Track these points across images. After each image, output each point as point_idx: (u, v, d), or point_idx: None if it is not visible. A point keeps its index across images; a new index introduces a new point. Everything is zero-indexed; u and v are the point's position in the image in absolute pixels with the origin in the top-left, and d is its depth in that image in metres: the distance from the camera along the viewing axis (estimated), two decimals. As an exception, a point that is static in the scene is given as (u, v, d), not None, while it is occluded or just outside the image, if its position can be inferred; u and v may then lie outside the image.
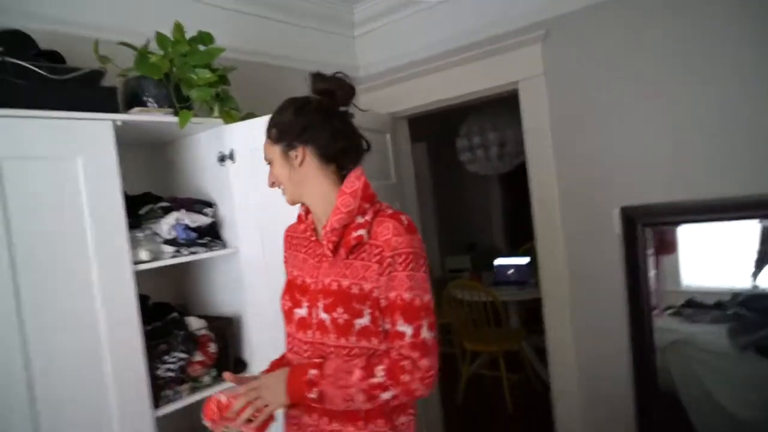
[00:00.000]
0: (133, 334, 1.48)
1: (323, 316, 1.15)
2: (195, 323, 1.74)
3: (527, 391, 3.87)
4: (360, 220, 1.17)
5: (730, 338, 2.25)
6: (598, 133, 2.36)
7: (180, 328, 1.66)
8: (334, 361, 1.13)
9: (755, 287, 2.14)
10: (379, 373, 1.09)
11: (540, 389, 3.88)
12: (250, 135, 1.77)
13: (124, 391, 1.44)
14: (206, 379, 1.71)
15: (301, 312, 1.21)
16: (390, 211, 1.19)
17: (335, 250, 1.18)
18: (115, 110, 1.57)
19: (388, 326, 1.15)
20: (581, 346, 2.53)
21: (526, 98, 2.56)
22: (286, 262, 1.36)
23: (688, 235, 2.25)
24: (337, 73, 1.23)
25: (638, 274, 2.26)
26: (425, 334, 1.10)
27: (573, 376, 2.56)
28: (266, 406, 1.11)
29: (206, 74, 1.72)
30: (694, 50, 2.06)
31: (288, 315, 1.25)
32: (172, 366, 1.59)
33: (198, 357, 1.67)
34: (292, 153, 1.20)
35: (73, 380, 1.36)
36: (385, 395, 1.09)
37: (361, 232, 1.15)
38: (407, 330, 1.10)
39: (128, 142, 1.69)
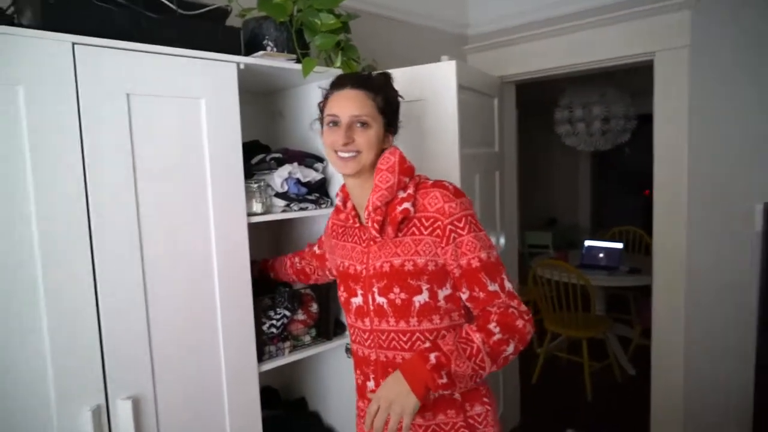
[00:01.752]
0: (244, 287, 1.44)
1: (380, 300, 1.13)
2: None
3: (608, 380, 3.69)
4: (402, 194, 1.14)
5: None
6: (742, 119, 2.07)
7: (285, 285, 1.62)
8: (446, 337, 1.08)
9: None
10: (496, 329, 1.05)
11: (621, 380, 3.69)
12: (371, 89, 1.66)
13: (232, 341, 1.42)
14: (306, 338, 1.67)
15: (357, 301, 1.19)
16: (431, 182, 1.16)
17: (382, 230, 1.14)
18: (238, 52, 1.49)
19: (473, 293, 1.10)
20: (693, 348, 2.31)
21: (662, 72, 2.29)
22: (331, 251, 1.35)
23: None
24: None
25: (777, 278, 2.01)
26: (508, 284, 1.11)
27: (678, 378, 2.35)
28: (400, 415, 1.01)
29: (330, 19, 1.61)
30: None
31: (346, 306, 1.24)
32: (275, 322, 1.55)
33: (300, 315, 1.63)
34: (391, 129, 1.20)
35: (186, 324, 1.34)
36: (509, 349, 1.06)
37: (406, 205, 1.12)
38: (495, 287, 1.09)
39: (239, 87, 1.62)
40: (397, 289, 1.10)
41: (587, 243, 4.10)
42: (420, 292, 1.10)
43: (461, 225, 1.09)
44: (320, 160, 1.77)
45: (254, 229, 1.52)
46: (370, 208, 1.13)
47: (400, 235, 1.12)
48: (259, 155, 1.69)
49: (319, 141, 1.82)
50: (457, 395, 1.14)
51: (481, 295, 1.09)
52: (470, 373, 1.03)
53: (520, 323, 1.06)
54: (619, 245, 3.96)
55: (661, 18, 2.24)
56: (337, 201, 1.30)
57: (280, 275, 1.70)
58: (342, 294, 1.25)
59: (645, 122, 4.29)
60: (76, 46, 1.14)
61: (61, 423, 1.13)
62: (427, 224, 1.10)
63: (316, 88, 1.82)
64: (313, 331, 1.69)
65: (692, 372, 2.31)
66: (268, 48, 1.61)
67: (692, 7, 2.14)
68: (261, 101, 2.03)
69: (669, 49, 2.23)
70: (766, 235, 2.01)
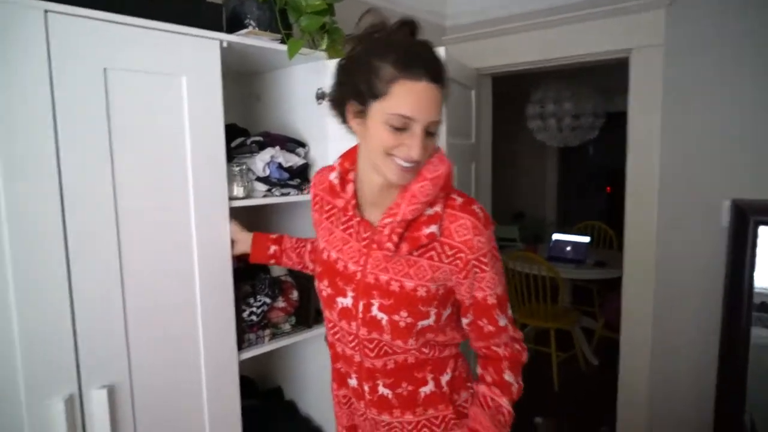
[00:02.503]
0: (224, 273, 1.40)
1: (379, 315, 1.01)
2: (277, 268, 1.66)
3: (573, 370, 3.78)
4: (430, 212, 1.00)
5: None
6: (713, 116, 2.14)
7: (265, 271, 1.58)
8: (478, 414, 1.06)
9: None
10: (510, 377, 1.07)
11: (585, 370, 3.79)
12: (356, 73, 1.63)
13: (212, 329, 1.37)
14: (286, 326, 1.63)
15: (345, 302, 1.06)
16: (460, 201, 1.02)
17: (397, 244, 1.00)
18: (220, 30, 1.43)
19: (478, 322, 1.06)
20: (660, 339, 2.38)
21: (637, 69, 2.33)
22: (316, 225, 1.19)
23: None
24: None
25: (742, 274, 2.08)
26: (510, 312, 1.09)
27: (645, 367, 2.42)
28: None
29: (316, 0, 1.56)
30: None
31: (328, 301, 1.10)
32: (255, 310, 1.51)
33: (280, 303, 1.60)
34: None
35: (164, 311, 1.28)
36: (516, 387, 1.09)
37: (434, 229, 0.98)
38: (505, 321, 1.06)
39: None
40: (404, 313, 0.99)
41: (555, 236, 4.18)
42: (427, 317, 1.01)
43: (485, 261, 0.99)
44: (302, 145, 1.73)
45: (234, 214, 1.47)
46: (399, 218, 0.97)
47: (414, 254, 1.00)
48: (238, 138, 1.64)
49: (302, 124, 1.79)
50: (445, 388, 1.10)
51: (490, 328, 1.05)
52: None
53: (523, 357, 1.10)
54: (586, 239, 4.06)
55: (637, 16, 2.28)
56: (333, 178, 1.07)
57: (292, 258, 1.47)
58: (324, 288, 1.10)
59: (610, 120, 4.40)
60: (48, 13, 1.07)
61: (32, 414, 1.07)
62: (449, 253, 0.99)
63: (297, 71, 1.78)
64: (293, 319, 1.66)
65: (658, 361, 2.39)
66: (250, 27, 1.55)
67: (666, 6, 2.19)
68: (238, 84, 1.97)
69: (644, 47, 2.28)
70: (733, 231, 2.08)
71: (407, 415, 1.08)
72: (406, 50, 0.91)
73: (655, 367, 2.40)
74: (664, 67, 2.24)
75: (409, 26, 0.97)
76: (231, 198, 1.44)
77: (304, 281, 1.66)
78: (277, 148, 1.61)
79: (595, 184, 6.61)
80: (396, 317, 1.00)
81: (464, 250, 0.98)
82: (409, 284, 0.99)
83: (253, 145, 1.58)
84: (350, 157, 1.09)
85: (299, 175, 1.68)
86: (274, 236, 1.49)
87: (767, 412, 2.11)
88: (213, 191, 1.37)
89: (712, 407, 2.17)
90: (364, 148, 1.00)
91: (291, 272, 1.69)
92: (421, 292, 0.99)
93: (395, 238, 0.98)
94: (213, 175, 1.37)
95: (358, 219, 1.06)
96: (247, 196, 1.50)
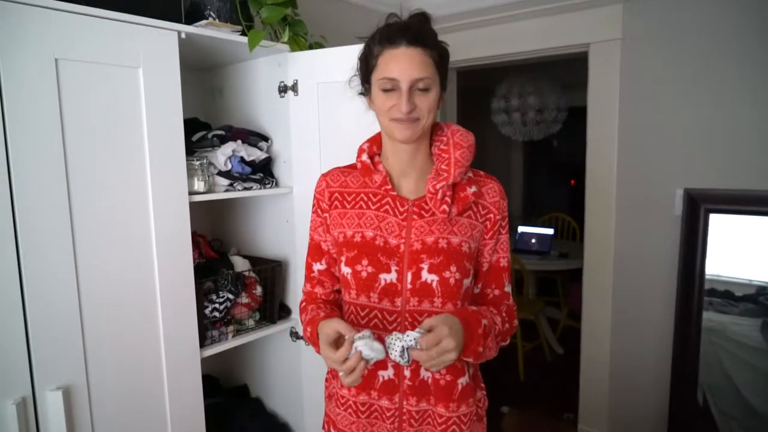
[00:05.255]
0: (185, 268, 1.38)
1: (430, 277, 1.03)
2: (240, 263, 1.64)
3: (538, 359, 3.86)
4: (469, 175, 1.10)
5: (764, 333, 2.19)
6: (667, 110, 2.22)
7: (229, 267, 1.56)
8: (481, 309, 1.06)
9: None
10: (506, 320, 1.11)
11: (550, 359, 3.88)
12: (319, 66, 1.62)
13: (173, 326, 1.35)
14: (250, 322, 1.62)
15: (390, 277, 1.04)
16: (482, 172, 1.15)
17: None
18: (179, 21, 1.40)
19: (486, 289, 1.13)
20: (619, 326, 2.45)
21: (596, 63, 2.39)
22: (322, 224, 1.13)
23: (718, 224, 2.15)
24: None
25: (694, 261, 2.17)
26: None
27: (605, 354, 2.50)
28: (448, 352, 0.92)
29: (277, -8, 1.55)
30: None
31: (367, 283, 1.06)
32: (218, 306, 1.49)
33: (244, 299, 1.58)
34: (444, 86, 1.05)
35: (122, 309, 1.26)
36: (506, 341, 1.11)
37: (475, 189, 1.08)
38: (509, 288, 1.15)
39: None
40: (453, 268, 1.04)
41: (520, 229, 4.25)
42: (469, 275, 1.07)
43: (504, 224, 1.12)
44: (265, 138, 1.71)
45: (196, 209, 1.44)
46: (449, 181, 1.04)
47: (457, 215, 1.07)
48: (200, 132, 1.61)
49: (265, 118, 1.77)
50: (472, 383, 1.10)
51: (496, 292, 1.13)
52: (487, 354, 1.02)
53: (515, 323, 1.14)
54: (550, 231, 4.14)
55: (596, 11, 2.33)
56: (364, 159, 1.11)
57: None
58: (364, 269, 1.05)
59: (572, 115, 4.49)
60: (-6, 1, 1.03)
61: (-19, 417, 1.03)
62: (482, 212, 1.09)
63: (259, 64, 1.76)
64: (257, 315, 1.64)
65: (619, 347, 2.46)
66: (210, 18, 1.52)
67: (624, 2, 2.25)
68: (199, 77, 1.93)
69: (602, 42, 2.34)
70: (686, 219, 2.16)
71: (438, 407, 1.05)
72: (390, 26, 1.02)
73: (616, 352, 2.48)
74: (621, 61, 2.30)
75: (418, 16, 1.05)
76: (191, 192, 1.42)
77: (268, 276, 1.64)
78: (239, 141, 1.58)
79: (559, 176, 6.75)
80: (447, 274, 1.04)
81: (493, 211, 1.09)
82: (455, 240, 1.05)
83: (215, 138, 1.55)
84: (376, 141, 1.15)
85: (262, 169, 1.66)
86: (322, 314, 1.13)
87: (719, 389, 2.21)
88: (172, 186, 1.34)
89: (668, 389, 2.25)
90: (380, 122, 1.08)
91: (254, 267, 1.67)
92: (465, 247, 1.06)
93: (448, 199, 1.05)
94: (172, 170, 1.34)
95: (393, 194, 1.08)
96: (208, 191, 1.48)
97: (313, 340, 1.06)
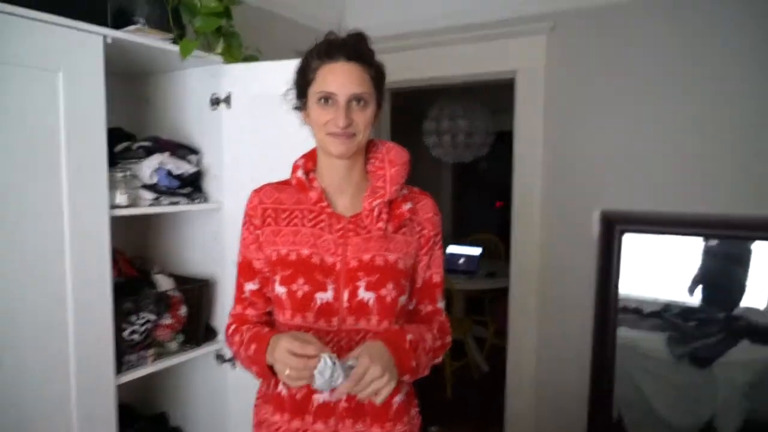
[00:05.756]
0: (102, 287, 1.28)
1: (366, 295, 1.02)
2: (164, 282, 1.55)
3: (465, 378, 3.92)
4: (404, 192, 1.11)
5: (669, 347, 2.36)
6: (589, 133, 2.36)
7: (151, 286, 1.47)
8: (406, 326, 1.05)
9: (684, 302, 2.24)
10: (438, 337, 1.10)
11: (477, 377, 3.95)
12: (255, 80, 1.58)
13: (86, 350, 1.25)
14: (173, 345, 1.53)
15: (326, 296, 1.02)
16: (416, 188, 1.16)
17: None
18: (104, 24, 1.33)
19: (419, 306, 1.14)
20: (543, 344, 2.54)
21: (522, 88, 2.50)
22: (255, 241, 1.09)
23: (631, 243, 2.29)
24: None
25: (609, 280, 2.30)
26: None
27: (531, 371, 2.58)
28: (377, 379, 0.90)
29: (212, 2, 1.51)
30: (697, 60, 2.09)
31: (303, 302, 1.02)
32: (138, 328, 1.40)
33: (167, 320, 1.49)
34: (380, 103, 1.06)
35: (31, 330, 1.15)
36: (439, 358, 1.10)
37: (410, 205, 1.09)
38: (442, 305, 1.16)
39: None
40: (390, 285, 1.03)
41: (449, 249, 4.34)
42: (405, 292, 1.07)
43: (438, 239, 1.13)
44: (194, 152, 1.64)
45: (118, 225, 1.35)
46: (386, 199, 1.05)
47: (393, 231, 1.08)
48: (124, 143, 1.52)
49: (195, 130, 1.70)
50: (405, 399, 1.10)
51: (429, 308, 1.14)
52: (421, 370, 1.02)
53: (448, 339, 1.14)
54: (478, 251, 4.26)
55: (522, 40, 2.46)
56: (299, 175, 1.09)
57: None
58: (300, 288, 1.02)
59: (500, 139, 4.68)
60: None
61: None
62: (417, 229, 1.10)
63: (190, 75, 1.70)
64: (181, 337, 1.56)
65: (542, 365, 2.55)
66: (139, 24, 1.45)
67: (548, 32, 2.38)
68: (127, 85, 1.83)
69: (527, 69, 2.46)
70: (602, 240, 2.29)
71: (375, 428, 1.05)
72: (329, 41, 1.03)
73: (540, 369, 2.56)
74: (545, 87, 2.43)
75: (357, 35, 1.07)
76: (113, 206, 1.33)
77: (195, 295, 1.57)
78: (167, 154, 1.51)
79: (487, 198, 6.98)
80: (383, 291, 1.03)
81: (428, 227, 1.11)
82: (391, 257, 1.05)
83: (140, 150, 1.48)
84: (311, 157, 1.13)
85: (191, 184, 1.59)
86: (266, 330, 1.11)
87: (632, 403, 2.34)
88: (91, 198, 1.25)
89: (587, 403, 2.36)
90: (315, 137, 1.07)
91: (179, 286, 1.58)
92: (401, 264, 1.06)
93: (384, 216, 1.05)
94: (92, 181, 1.25)
95: (329, 211, 1.07)
96: (132, 205, 1.40)
97: (257, 357, 1.00)
